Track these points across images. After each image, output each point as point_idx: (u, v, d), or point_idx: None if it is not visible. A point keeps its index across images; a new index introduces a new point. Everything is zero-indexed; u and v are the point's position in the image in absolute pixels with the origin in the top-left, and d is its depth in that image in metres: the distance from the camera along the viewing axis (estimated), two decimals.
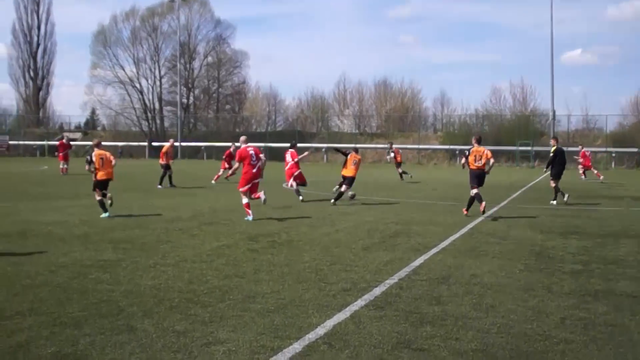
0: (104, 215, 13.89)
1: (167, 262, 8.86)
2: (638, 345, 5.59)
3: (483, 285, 7.72)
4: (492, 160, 15.11)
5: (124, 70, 76.29)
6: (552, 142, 19.66)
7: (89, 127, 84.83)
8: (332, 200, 17.62)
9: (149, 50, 76.96)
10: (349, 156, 18.29)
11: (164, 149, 24.42)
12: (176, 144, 50.27)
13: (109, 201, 14.29)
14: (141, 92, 77.44)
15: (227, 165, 26.70)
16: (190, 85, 79.75)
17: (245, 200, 14.07)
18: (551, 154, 18.94)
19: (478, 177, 15.09)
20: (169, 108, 79.63)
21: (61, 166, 32.68)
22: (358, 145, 26.34)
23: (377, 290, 7.31)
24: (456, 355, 5.19)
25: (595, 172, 32.41)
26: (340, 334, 5.65)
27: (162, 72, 78.15)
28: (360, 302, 6.75)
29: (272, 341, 5.43)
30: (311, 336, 5.57)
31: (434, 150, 61.54)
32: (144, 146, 70.10)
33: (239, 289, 7.28)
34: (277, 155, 60.50)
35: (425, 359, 5.13)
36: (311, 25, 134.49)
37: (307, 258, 9.36)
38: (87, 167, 14.82)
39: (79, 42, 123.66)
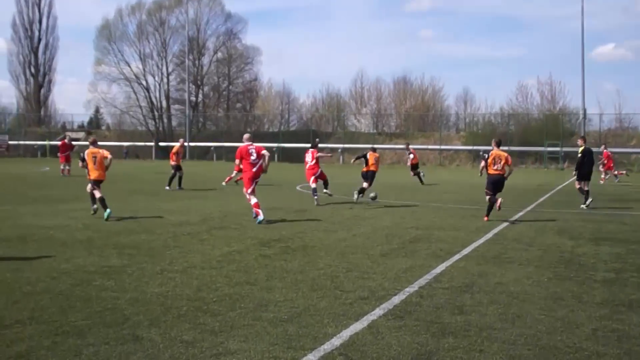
0: (106, 212, 14.05)
1: (174, 269, 8.88)
2: None
3: (509, 294, 7.67)
4: (511, 167, 15.23)
5: (129, 66, 77.00)
6: (579, 142, 19.42)
7: (93, 126, 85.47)
8: (355, 197, 18.94)
9: (156, 45, 77.61)
10: (367, 155, 20.02)
11: (174, 149, 24.57)
12: (185, 144, 50.48)
13: (95, 206, 14.66)
14: (147, 89, 78.08)
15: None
16: (199, 83, 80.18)
17: (254, 200, 14.11)
18: (579, 155, 18.77)
19: (495, 183, 15.02)
20: (176, 106, 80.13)
21: (62, 167, 32.94)
22: (376, 146, 26.41)
23: (396, 299, 7.29)
24: None
25: (616, 172, 32.67)
26: (357, 345, 5.64)
27: (170, 69, 78.78)
28: (378, 312, 6.74)
29: (286, 352, 5.43)
30: (326, 347, 5.56)
31: (456, 151, 61.45)
32: (151, 146, 70.44)
33: (251, 297, 7.28)
34: (292, 157, 60.91)
35: None
36: (326, 19, 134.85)
37: (322, 264, 9.35)
38: (80, 164, 15.29)
39: (82, 37, 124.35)
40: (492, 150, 15.27)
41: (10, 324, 6.12)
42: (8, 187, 24.28)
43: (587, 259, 10.23)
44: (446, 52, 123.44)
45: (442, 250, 10.75)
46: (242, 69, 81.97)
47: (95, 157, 14.68)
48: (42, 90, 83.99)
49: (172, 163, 24.20)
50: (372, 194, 18.92)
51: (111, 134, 79.37)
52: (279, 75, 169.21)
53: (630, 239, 12.47)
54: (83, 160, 14.91)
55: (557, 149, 54.73)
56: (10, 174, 33.61)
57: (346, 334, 5.94)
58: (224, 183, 26.05)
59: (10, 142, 69.86)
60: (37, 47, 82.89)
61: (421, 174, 29.75)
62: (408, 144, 35.04)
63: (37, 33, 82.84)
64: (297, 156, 58.17)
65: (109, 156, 14.90)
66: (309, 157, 19.29)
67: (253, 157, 14.27)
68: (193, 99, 78.51)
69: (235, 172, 26.92)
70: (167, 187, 23.45)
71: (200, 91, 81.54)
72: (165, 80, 78.59)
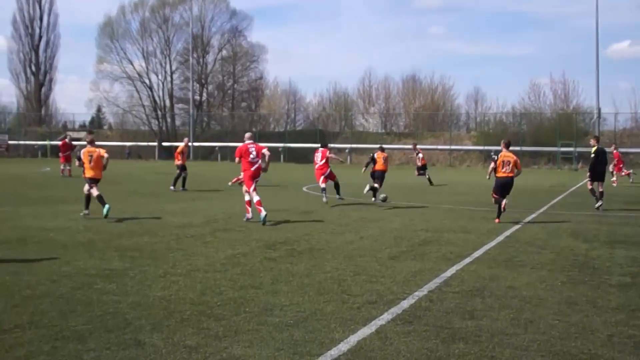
0: (105, 208, 14.30)
1: (177, 272, 8.88)
2: None
3: (521, 298, 7.64)
4: (520, 170, 15.29)
5: (132, 64, 77.17)
6: (592, 141, 19.27)
7: (95, 125, 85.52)
8: (365, 190, 19.59)
9: (160, 43, 77.77)
10: (375, 156, 20.66)
11: (179, 149, 24.65)
12: (189, 144, 50.58)
13: (87, 211, 14.89)
14: (151, 88, 78.19)
15: None
16: (203, 81, 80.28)
17: (256, 197, 14.31)
18: (592, 155, 18.66)
19: (503, 185, 14.99)
20: (180, 105, 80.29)
21: (62, 168, 33.05)
22: (384, 146, 26.45)
23: (405, 303, 7.27)
24: None
25: (624, 172, 32.67)
26: (364, 351, 5.62)
27: (174, 67, 78.92)
28: (386, 316, 6.72)
29: (292, 358, 5.41)
30: (333, 352, 5.55)
31: (467, 151, 61.37)
32: (154, 146, 70.51)
33: (256, 301, 7.28)
34: (298, 157, 61.00)
35: None
36: (333, 17, 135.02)
37: (329, 268, 9.34)
38: (77, 163, 15.63)
39: (84, 35, 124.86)
40: (501, 151, 15.24)
41: (10, 328, 6.12)
42: (8, 188, 24.36)
43: (601, 262, 10.18)
44: (456, 50, 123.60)
45: (452, 253, 10.72)
46: (247, 67, 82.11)
47: (91, 155, 14.92)
48: (43, 89, 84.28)
49: (178, 163, 24.23)
50: (382, 196, 19.18)
51: (113, 133, 79.60)
52: (285, 74, 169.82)
53: None
54: (79, 159, 15.22)
55: (571, 149, 54.56)
56: (10, 175, 33.74)
57: (354, 339, 5.93)
58: (230, 183, 26.06)
59: (10, 142, 70.06)
60: (38, 45, 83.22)
61: (427, 175, 29.84)
62: (415, 144, 35.03)
63: (37, 30, 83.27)
64: (303, 156, 58.24)
65: (106, 155, 15.16)
66: (318, 156, 19.33)
67: (252, 156, 14.44)
68: (197, 97, 78.64)
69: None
70: (172, 188, 23.50)
71: (205, 90, 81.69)
72: (168, 78, 78.82)
